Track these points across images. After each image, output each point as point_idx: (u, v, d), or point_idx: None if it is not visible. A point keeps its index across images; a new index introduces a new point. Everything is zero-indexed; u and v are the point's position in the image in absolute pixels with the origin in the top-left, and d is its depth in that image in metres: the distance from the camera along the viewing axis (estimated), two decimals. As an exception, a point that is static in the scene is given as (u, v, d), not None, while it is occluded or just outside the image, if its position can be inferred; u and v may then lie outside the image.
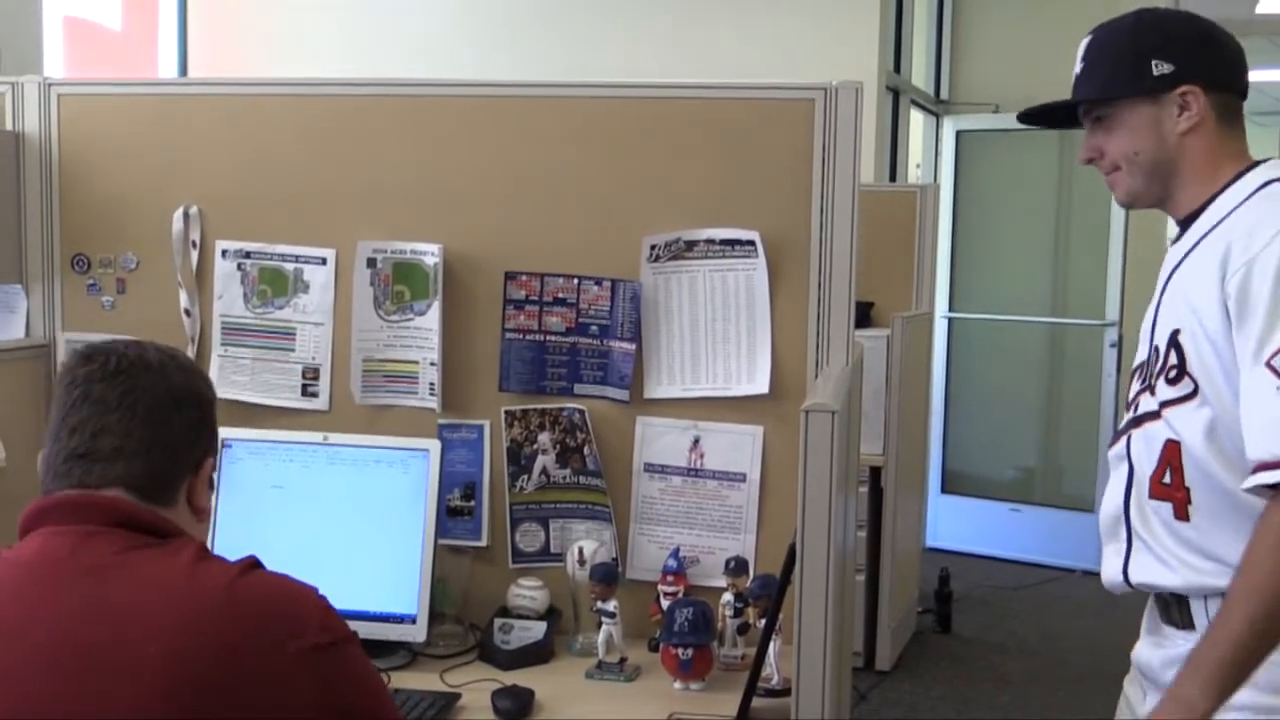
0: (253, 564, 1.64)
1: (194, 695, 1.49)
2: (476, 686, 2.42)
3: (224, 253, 2.85)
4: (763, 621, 2.43)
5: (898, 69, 7.10)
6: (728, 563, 2.60)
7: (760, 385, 2.67)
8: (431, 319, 2.76)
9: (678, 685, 2.44)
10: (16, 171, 2.87)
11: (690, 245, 2.69)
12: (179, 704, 1.49)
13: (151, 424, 1.66)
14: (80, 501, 1.62)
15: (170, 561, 1.59)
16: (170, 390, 1.69)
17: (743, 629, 2.54)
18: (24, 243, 2.90)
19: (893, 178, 7.09)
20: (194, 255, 2.85)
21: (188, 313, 2.85)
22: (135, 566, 1.58)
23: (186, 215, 2.84)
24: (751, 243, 2.67)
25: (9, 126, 2.88)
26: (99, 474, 1.64)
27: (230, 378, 2.82)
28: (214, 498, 1.85)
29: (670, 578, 2.63)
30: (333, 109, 2.81)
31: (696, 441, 2.71)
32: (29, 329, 2.92)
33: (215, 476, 1.79)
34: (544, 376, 2.75)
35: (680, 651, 2.43)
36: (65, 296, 2.91)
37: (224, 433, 2.60)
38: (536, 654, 2.58)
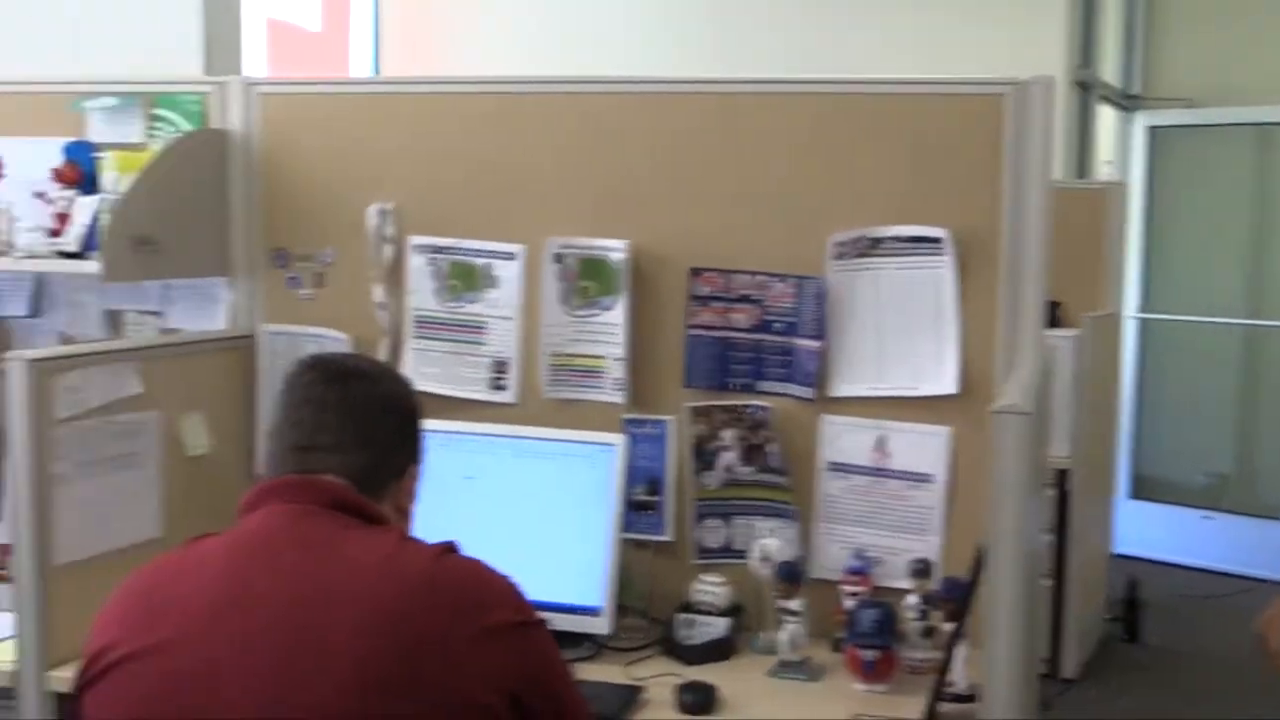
0: (451, 547, 1.76)
1: (395, 664, 1.58)
2: (661, 680, 2.43)
3: (417, 248, 2.91)
4: (948, 625, 2.40)
5: (1086, 63, 6.93)
6: (912, 564, 2.57)
7: (948, 385, 2.64)
8: (618, 314, 2.78)
9: (862, 687, 2.42)
10: (223, 169, 2.97)
11: (876, 243, 2.67)
12: (378, 675, 1.58)
13: (364, 424, 1.83)
14: (301, 483, 1.77)
15: (377, 542, 1.72)
16: (382, 396, 1.88)
17: (927, 632, 2.51)
18: (229, 237, 3.00)
19: (1081, 174, 6.92)
20: (388, 250, 2.92)
21: (382, 306, 2.92)
22: (346, 544, 1.71)
23: (382, 212, 2.91)
24: (939, 240, 2.63)
25: (216, 125, 2.99)
26: (316, 462, 1.79)
27: (422, 370, 2.89)
28: (415, 507, 1.94)
29: (854, 577, 2.61)
30: (523, 106, 2.86)
31: (882, 441, 2.68)
32: (232, 321, 3.02)
33: (417, 486, 1.92)
34: (728, 373, 2.76)
35: (865, 653, 2.41)
36: (267, 289, 3.01)
37: (416, 424, 2.67)
38: (719, 650, 2.58)
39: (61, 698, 2.43)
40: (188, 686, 1.60)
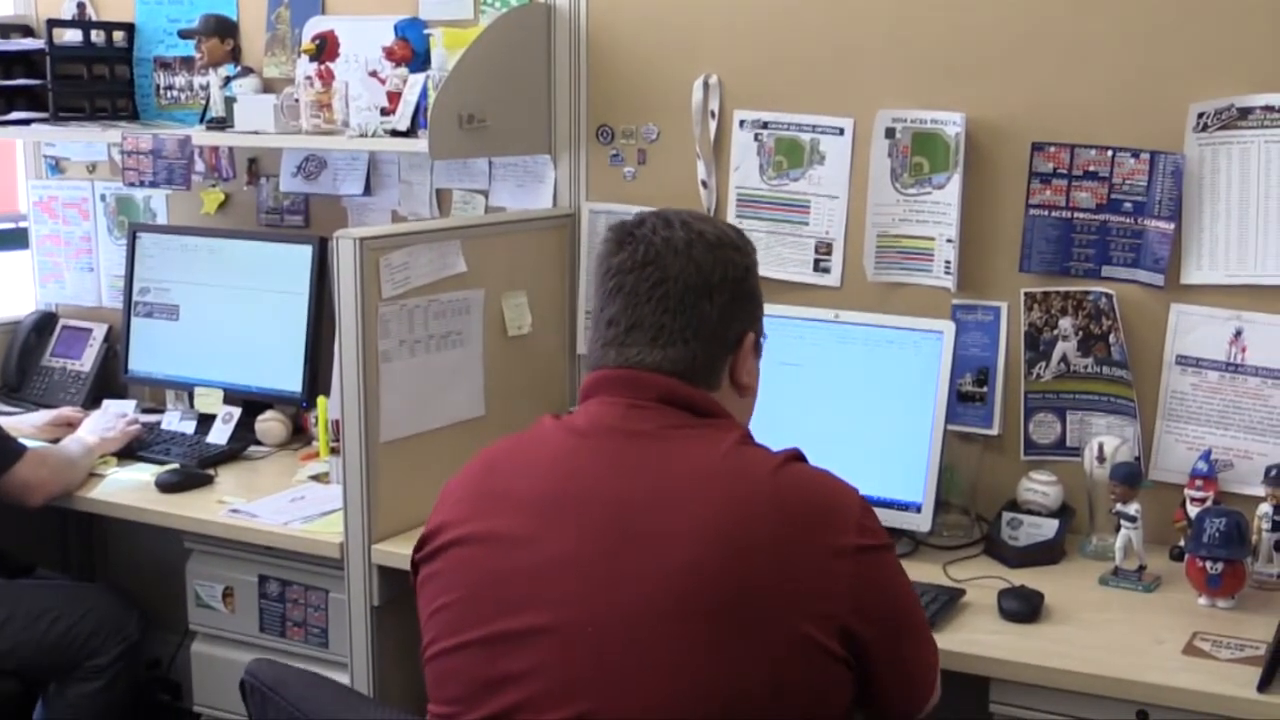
0: (796, 455, 1.64)
1: (729, 572, 1.52)
2: (982, 583, 2.32)
3: (742, 123, 2.82)
4: (1305, 539, 2.18)
5: None
6: (1269, 470, 2.35)
7: (1319, 273, 2.38)
8: (951, 193, 2.62)
9: (1203, 601, 2.24)
10: (548, 44, 2.95)
11: (1244, 113, 2.41)
12: (710, 576, 1.51)
13: (683, 313, 1.67)
14: (629, 378, 1.68)
15: (712, 443, 1.62)
16: (700, 274, 1.68)
17: (1280, 545, 2.30)
18: (553, 114, 2.98)
19: None
20: (712, 126, 2.84)
21: (704, 184, 2.86)
22: (678, 443, 1.63)
23: (706, 85, 2.83)
24: (1316, 111, 2.35)
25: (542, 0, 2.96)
26: (636, 356, 1.68)
27: (749, 251, 2.81)
28: (759, 368, 1.78)
29: (1199, 482, 2.40)
30: (847, -29, 2.71)
31: (1239, 333, 2.45)
32: (555, 199, 3.02)
33: (761, 344, 1.77)
34: (1069, 257, 2.56)
35: (1209, 565, 2.22)
36: (590, 167, 2.99)
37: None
38: (1047, 553, 2.44)
39: (383, 571, 2.52)
40: (515, 579, 1.58)
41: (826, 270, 2.77)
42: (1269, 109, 2.40)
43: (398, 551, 2.45)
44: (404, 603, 2.07)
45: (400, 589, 2.41)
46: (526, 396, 2.81)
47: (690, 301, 1.67)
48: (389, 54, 2.95)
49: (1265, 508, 2.32)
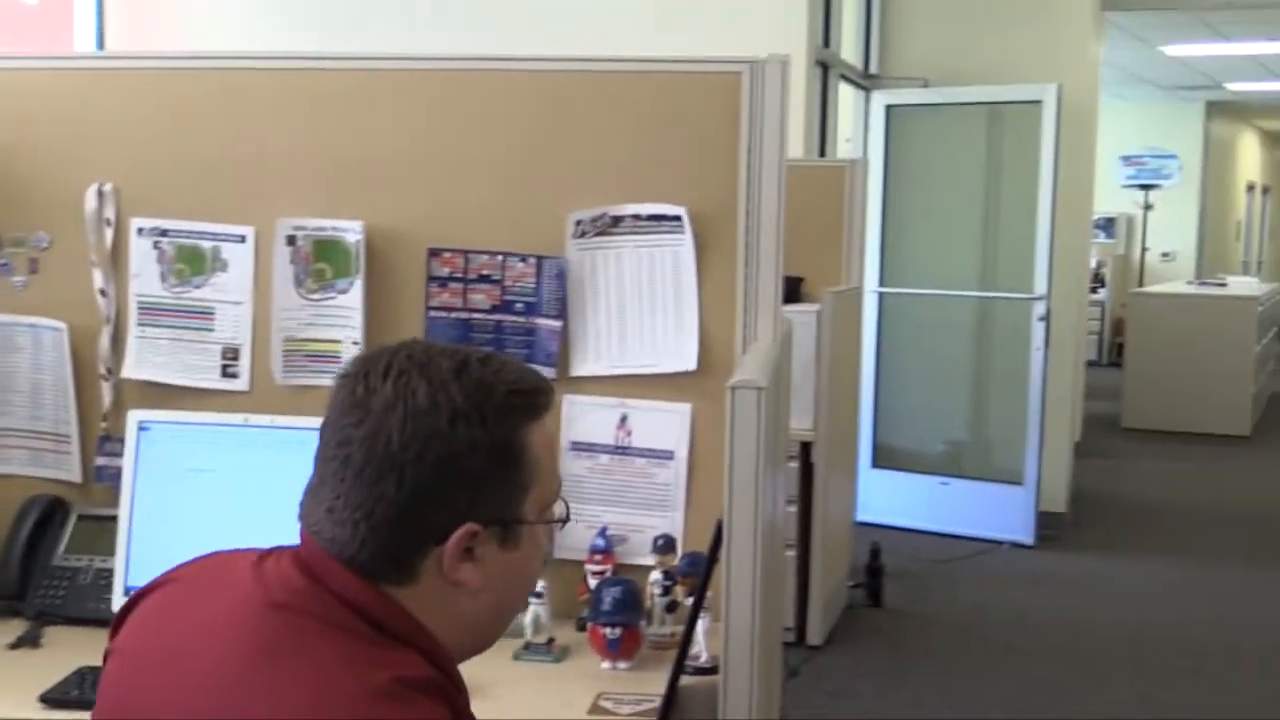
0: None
1: None
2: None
3: (140, 230, 2.78)
4: (691, 599, 2.41)
5: (827, 43, 7.09)
6: (656, 540, 2.58)
7: (688, 362, 2.65)
8: (354, 297, 2.71)
9: (606, 665, 2.42)
10: (-76, 148, 2.79)
11: (616, 221, 2.67)
12: None
13: (360, 486, 1.38)
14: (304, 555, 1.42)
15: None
16: (388, 447, 1.36)
17: (671, 607, 2.52)
18: (-69, 221, 2.82)
19: (822, 152, 7.10)
20: (109, 234, 2.78)
21: (103, 293, 2.78)
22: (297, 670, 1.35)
23: (100, 192, 2.77)
24: (678, 218, 2.64)
25: (-86, 102, 2.80)
26: (316, 526, 1.42)
27: (148, 359, 2.76)
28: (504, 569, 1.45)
29: (598, 557, 2.60)
30: (249, 83, 2.75)
31: (624, 419, 2.68)
32: (-63, 310, 2.84)
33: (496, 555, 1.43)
34: (469, 355, 2.72)
35: (608, 631, 2.41)
36: (-25, 277, 2.84)
37: (141, 415, 2.56)
38: (463, 636, 2.54)
39: None
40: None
41: (235, 375, 2.77)
42: (637, 217, 2.66)
43: None
44: None
45: None
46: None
47: (370, 476, 1.37)
48: None
49: (656, 575, 2.55)
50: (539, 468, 1.44)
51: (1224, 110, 18.09)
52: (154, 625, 1.50)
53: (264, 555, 1.48)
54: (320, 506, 1.41)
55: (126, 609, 1.56)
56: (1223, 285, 13.15)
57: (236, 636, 1.38)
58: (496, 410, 1.40)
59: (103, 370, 2.77)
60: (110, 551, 2.56)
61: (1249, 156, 21.09)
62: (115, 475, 2.64)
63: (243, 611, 1.40)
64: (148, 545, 2.52)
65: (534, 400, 1.45)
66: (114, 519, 2.55)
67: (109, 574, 2.56)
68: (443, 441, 1.37)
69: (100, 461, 2.77)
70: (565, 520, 1.52)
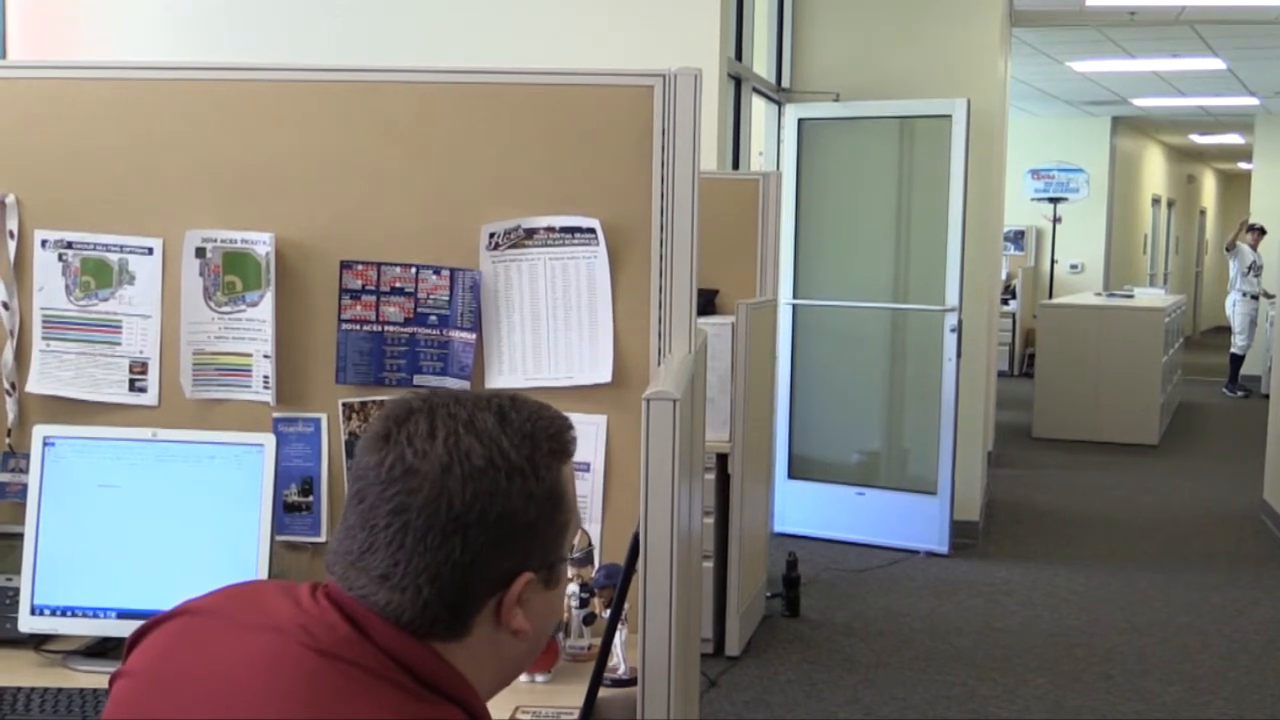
0: None
1: None
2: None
3: (44, 243, 2.73)
4: (608, 611, 2.41)
5: (739, 57, 7.14)
6: (574, 554, 2.57)
7: (603, 374, 2.65)
8: (265, 310, 2.68)
9: (523, 678, 2.41)
10: None
11: (530, 233, 2.66)
12: None
13: (422, 554, 1.38)
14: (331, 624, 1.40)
15: None
16: (452, 509, 1.38)
17: (588, 619, 2.52)
18: None
19: (736, 165, 7.14)
20: (11, 246, 2.73)
21: (5, 306, 2.73)
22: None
23: (4, 204, 2.72)
24: (592, 230, 2.64)
25: None
26: (363, 590, 1.40)
27: (53, 373, 2.72)
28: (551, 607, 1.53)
29: (514, 570, 2.59)
30: (156, 93, 2.71)
31: (539, 431, 2.67)
32: None
33: (556, 576, 1.50)
34: (383, 368, 2.70)
35: (525, 644, 2.39)
36: (-127, 291, 2.77)
37: (47, 430, 2.52)
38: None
39: None
40: None
41: (143, 390, 2.73)
42: (551, 229, 2.66)
43: None
44: None
45: None
46: None
47: (433, 542, 1.38)
48: None
49: (573, 587, 2.53)
50: (573, 505, 1.50)
51: (1130, 125, 18.45)
52: (176, 651, 1.47)
53: (301, 593, 1.47)
54: (370, 574, 1.39)
55: (138, 636, 1.54)
56: (1130, 297, 13.40)
57: (280, 677, 1.37)
58: (544, 460, 1.44)
59: (5, 385, 2.72)
60: (16, 570, 2.51)
61: (1154, 170, 21.51)
62: (20, 492, 2.59)
63: (286, 653, 1.39)
64: (55, 563, 2.47)
65: (566, 442, 1.49)
66: (19, 537, 2.50)
67: (15, 593, 2.51)
68: (503, 498, 1.40)
69: (3, 478, 2.71)
70: (590, 548, 1.56)
